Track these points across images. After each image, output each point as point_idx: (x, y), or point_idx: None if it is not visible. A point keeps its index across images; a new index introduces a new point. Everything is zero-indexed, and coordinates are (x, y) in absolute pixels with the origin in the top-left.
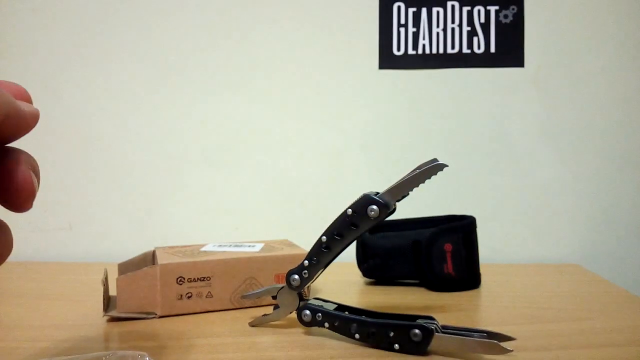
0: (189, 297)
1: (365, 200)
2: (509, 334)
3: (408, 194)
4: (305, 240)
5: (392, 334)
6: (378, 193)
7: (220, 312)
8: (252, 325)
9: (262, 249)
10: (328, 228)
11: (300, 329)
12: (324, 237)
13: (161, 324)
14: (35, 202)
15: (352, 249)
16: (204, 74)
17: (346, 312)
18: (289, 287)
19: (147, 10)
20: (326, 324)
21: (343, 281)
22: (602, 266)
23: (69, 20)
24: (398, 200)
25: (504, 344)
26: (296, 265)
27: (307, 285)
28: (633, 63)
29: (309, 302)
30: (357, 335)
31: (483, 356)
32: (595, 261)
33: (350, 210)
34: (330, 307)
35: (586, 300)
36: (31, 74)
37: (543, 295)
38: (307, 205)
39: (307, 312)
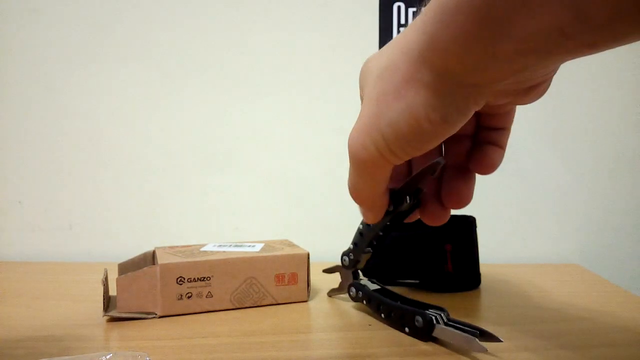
0: (189, 297)
1: None
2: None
3: (420, 189)
4: (306, 239)
5: (403, 317)
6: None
7: (220, 312)
8: (329, 295)
9: (263, 249)
10: None
11: (300, 329)
12: (360, 224)
13: (161, 324)
14: (35, 202)
15: None
16: (204, 75)
17: (384, 295)
18: (343, 266)
19: (148, 11)
20: (364, 301)
21: None
22: (602, 266)
23: (69, 21)
24: (416, 196)
25: (485, 344)
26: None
27: (357, 266)
28: (633, 63)
29: (360, 280)
30: (382, 315)
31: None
32: (595, 261)
33: None
34: (373, 287)
35: (586, 300)
36: (31, 74)
37: (543, 295)
38: (307, 205)
39: (353, 289)
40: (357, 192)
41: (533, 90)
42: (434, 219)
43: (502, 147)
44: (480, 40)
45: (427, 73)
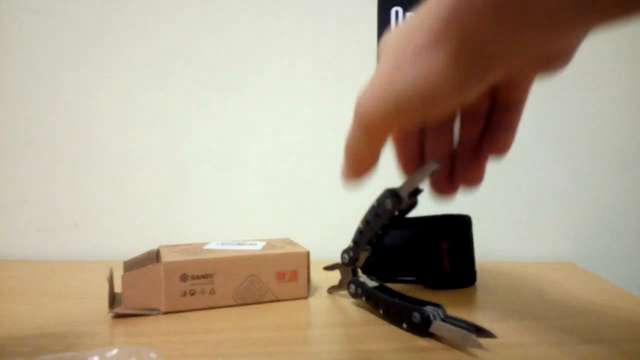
0: (192, 294)
1: (384, 194)
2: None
3: (420, 189)
4: (306, 238)
5: (401, 313)
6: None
7: (223, 309)
8: (329, 292)
9: (264, 247)
10: (363, 216)
11: (301, 325)
12: (360, 223)
13: (165, 320)
14: (41, 201)
15: None
16: (207, 75)
17: (382, 292)
18: (343, 264)
19: (149, 12)
20: (363, 298)
21: None
22: (596, 264)
23: (70, 22)
24: (414, 195)
25: (480, 339)
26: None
27: (356, 264)
28: (628, 64)
29: (359, 277)
30: (381, 311)
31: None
32: (589, 259)
33: (375, 202)
34: (372, 284)
35: (580, 298)
36: (33, 74)
37: (537, 292)
38: (308, 204)
39: (353, 285)
40: (353, 146)
41: (556, 61)
42: (443, 194)
43: (514, 128)
44: (510, 7)
45: (451, 38)
